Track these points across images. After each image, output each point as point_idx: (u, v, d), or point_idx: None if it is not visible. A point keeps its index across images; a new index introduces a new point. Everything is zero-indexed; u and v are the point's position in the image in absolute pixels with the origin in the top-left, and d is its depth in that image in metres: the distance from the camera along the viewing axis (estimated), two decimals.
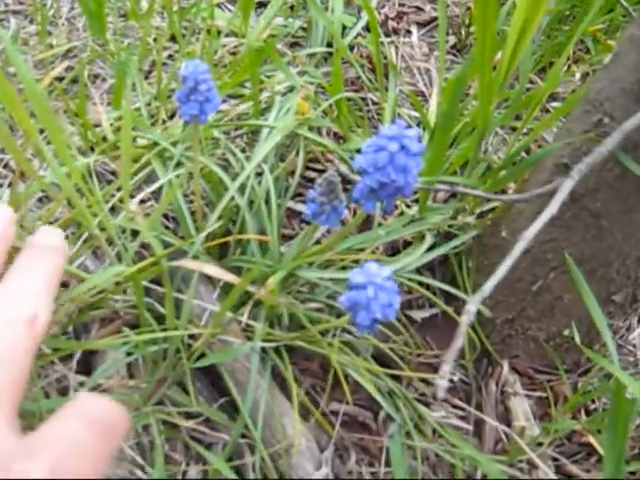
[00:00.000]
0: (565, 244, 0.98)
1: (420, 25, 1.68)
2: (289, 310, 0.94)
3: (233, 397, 0.96)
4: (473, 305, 0.72)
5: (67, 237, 1.09)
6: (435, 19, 1.68)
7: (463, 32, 1.61)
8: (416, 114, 1.40)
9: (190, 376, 0.93)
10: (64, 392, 0.96)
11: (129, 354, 0.94)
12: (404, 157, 0.75)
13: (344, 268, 1.06)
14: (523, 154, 1.27)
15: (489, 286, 0.74)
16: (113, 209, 1.06)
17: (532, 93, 1.05)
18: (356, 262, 1.04)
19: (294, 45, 1.50)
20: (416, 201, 1.26)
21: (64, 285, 1.05)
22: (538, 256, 1.02)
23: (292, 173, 1.19)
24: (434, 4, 1.74)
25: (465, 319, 0.71)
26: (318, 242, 1.22)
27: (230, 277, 0.88)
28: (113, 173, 1.21)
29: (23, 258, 0.52)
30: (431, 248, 1.08)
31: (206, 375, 1.02)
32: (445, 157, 0.98)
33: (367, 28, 1.55)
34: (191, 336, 0.96)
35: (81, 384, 0.95)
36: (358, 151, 1.25)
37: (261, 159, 1.02)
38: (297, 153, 1.13)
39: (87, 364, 1.00)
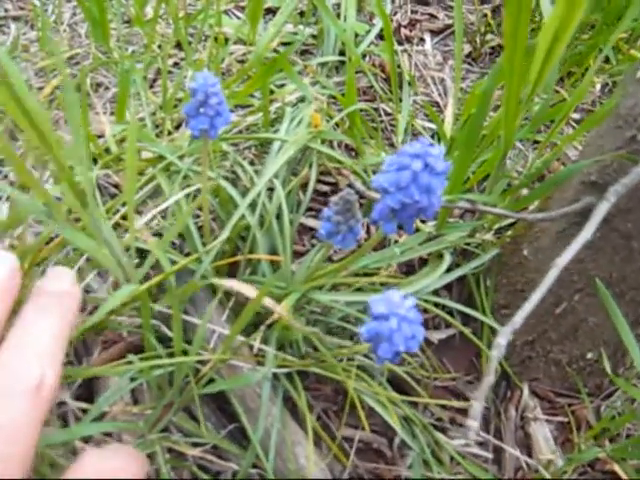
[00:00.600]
0: (592, 265, 0.93)
1: (434, 33, 1.63)
2: (303, 334, 0.89)
3: (242, 424, 0.91)
4: (503, 338, 0.68)
5: (68, 255, 1.05)
6: (449, 27, 1.63)
7: (478, 40, 1.56)
8: (431, 125, 1.36)
9: (198, 402, 0.88)
10: (64, 419, 0.91)
11: (133, 379, 0.89)
12: (428, 176, 0.70)
13: (359, 289, 1.01)
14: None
15: (520, 317, 0.69)
16: (118, 225, 1.02)
17: (557, 105, 1.00)
18: (372, 283, 1.00)
19: (304, 53, 1.46)
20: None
21: None
22: (563, 277, 0.97)
23: (303, 186, 1.15)
24: (448, 11, 1.69)
25: (495, 354, 0.66)
26: (329, 259, 1.18)
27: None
28: (116, 186, 1.16)
29: (30, 310, 0.47)
30: (449, 267, 1.04)
31: (214, 400, 0.98)
32: (466, 173, 0.93)
33: (380, 36, 1.51)
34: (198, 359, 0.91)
35: (83, 411, 0.90)
36: (373, 166, 1.22)
37: (272, 174, 0.97)
38: (310, 167, 1.08)
39: (89, 388, 0.95)
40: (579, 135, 1.05)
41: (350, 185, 1.14)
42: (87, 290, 1.01)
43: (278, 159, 0.99)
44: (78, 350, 0.99)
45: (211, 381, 0.90)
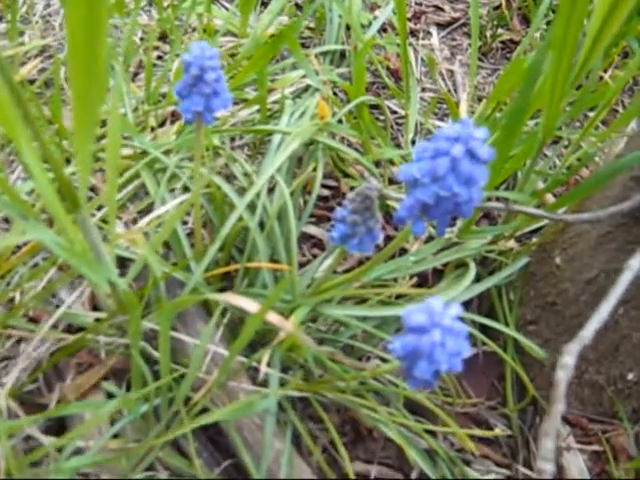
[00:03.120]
0: None
1: (440, 26, 1.52)
2: (314, 355, 0.76)
3: (239, 459, 0.78)
4: (570, 357, 0.56)
5: (36, 265, 0.92)
6: (456, 20, 1.52)
7: (488, 35, 1.45)
8: (441, 124, 1.24)
9: (189, 436, 0.75)
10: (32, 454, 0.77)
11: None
12: (469, 164, 0.58)
13: (363, 301, 0.89)
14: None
15: (589, 331, 0.57)
16: None
17: (598, 92, 0.88)
18: (389, 296, 0.88)
19: (302, 46, 1.33)
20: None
21: (33, 320, 0.87)
22: (604, 287, 0.85)
23: (302, 190, 1.03)
24: (454, 3, 1.58)
25: (562, 376, 0.54)
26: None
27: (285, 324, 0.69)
28: (92, 189, 1.03)
29: None
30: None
31: (204, 432, 0.84)
32: (501, 167, 0.81)
33: (382, 28, 1.40)
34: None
35: (58, 450, 0.76)
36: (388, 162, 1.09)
37: (275, 170, 0.84)
38: (315, 165, 0.95)
39: (60, 418, 0.82)
40: (623, 123, 0.93)
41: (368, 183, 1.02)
42: (57, 305, 0.88)
43: (280, 154, 0.86)
44: (48, 375, 0.85)
45: (204, 410, 0.77)
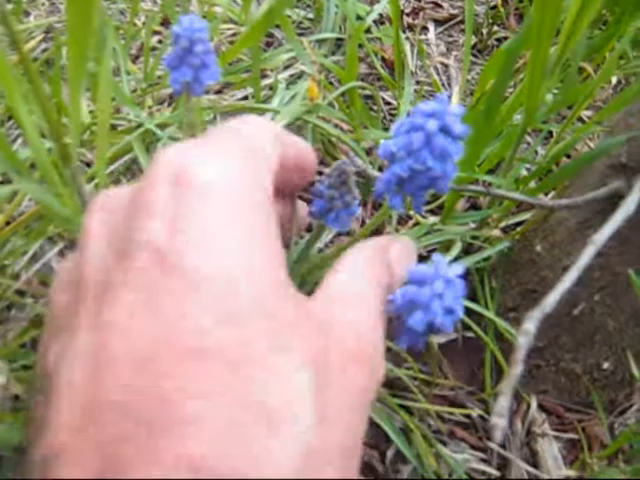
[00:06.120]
0: (618, 260, 0.83)
1: (438, 22, 1.54)
2: None
3: None
4: (531, 323, 0.57)
5: (29, 234, 0.94)
6: (454, 17, 1.55)
7: (484, 32, 1.48)
8: None
9: None
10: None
11: None
12: (443, 139, 0.60)
13: None
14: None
15: (551, 300, 0.59)
16: None
17: (582, 86, 0.90)
18: None
19: (300, 36, 1.36)
20: (431, 211, 1.12)
21: (20, 292, 0.89)
22: (582, 273, 0.87)
23: None
24: (452, 1, 1.61)
25: (523, 342, 0.56)
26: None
27: None
28: (89, 165, 1.06)
29: None
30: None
31: None
32: (482, 153, 0.83)
33: (381, 22, 1.42)
34: None
35: None
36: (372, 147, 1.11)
37: None
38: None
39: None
40: (606, 115, 0.94)
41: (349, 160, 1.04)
42: (48, 273, 0.90)
43: None
44: (36, 340, 0.87)
45: None
